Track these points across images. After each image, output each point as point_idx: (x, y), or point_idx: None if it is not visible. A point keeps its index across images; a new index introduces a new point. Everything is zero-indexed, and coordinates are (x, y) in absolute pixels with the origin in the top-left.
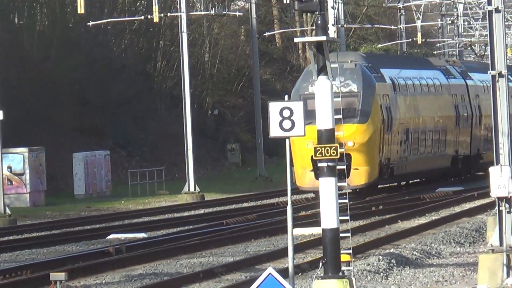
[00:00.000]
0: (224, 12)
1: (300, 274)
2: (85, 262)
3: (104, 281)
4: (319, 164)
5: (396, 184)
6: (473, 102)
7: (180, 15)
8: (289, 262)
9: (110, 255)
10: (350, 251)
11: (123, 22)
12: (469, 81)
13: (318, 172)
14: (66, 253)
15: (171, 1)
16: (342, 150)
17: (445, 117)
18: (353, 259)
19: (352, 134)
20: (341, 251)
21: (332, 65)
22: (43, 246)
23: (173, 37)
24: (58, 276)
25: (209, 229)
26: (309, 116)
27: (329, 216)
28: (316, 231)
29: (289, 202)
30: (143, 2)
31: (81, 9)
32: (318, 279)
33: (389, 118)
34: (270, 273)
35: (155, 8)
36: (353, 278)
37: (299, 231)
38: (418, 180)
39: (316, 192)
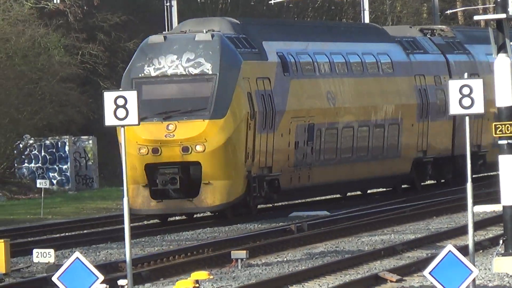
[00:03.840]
0: None
1: (481, 251)
2: (266, 240)
3: (285, 259)
4: (500, 142)
5: (276, 204)
6: None
7: None
8: (469, 239)
9: (291, 233)
10: None
11: (305, 0)
12: (458, 57)
13: (155, 190)
14: (248, 231)
15: None
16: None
17: (396, 106)
18: None
19: (201, 135)
20: None
21: (178, 36)
22: (225, 224)
23: (355, 15)
24: (239, 254)
25: (390, 206)
26: (145, 108)
27: (510, 193)
28: (497, 208)
29: (469, 179)
30: None
31: None
32: (498, 256)
33: (269, 110)
34: (450, 251)
35: None
36: None
37: (480, 208)
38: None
39: (156, 216)
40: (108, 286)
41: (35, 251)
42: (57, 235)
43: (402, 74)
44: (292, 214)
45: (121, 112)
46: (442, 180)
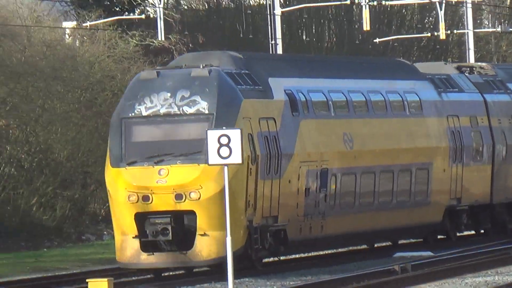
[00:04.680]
0: (510, 30)
1: None
2: (370, 281)
3: None
4: None
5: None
6: (503, 125)
7: (467, 32)
8: None
9: (395, 274)
10: None
11: (410, 39)
12: (498, 96)
13: (145, 241)
14: (351, 271)
15: (458, 18)
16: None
17: (424, 149)
18: None
19: (196, 181)
20: None
21: (172, 71)
22: (328, 265)
23: (460, 54)
24: None
25: (495, 247)
26: (134, 151)
27: None
28: None
29: None
30: (430, 19)
31: (366, 26)
32: None
33: (274, 154)
34: None
35: (442, 24)
36: None
37: None
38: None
39: (148, 271)
40: None
41: None
42: (161, 274)
43: (433, 114)
44: (396, 255)
45: (224, 151)
46: (482, 231)
